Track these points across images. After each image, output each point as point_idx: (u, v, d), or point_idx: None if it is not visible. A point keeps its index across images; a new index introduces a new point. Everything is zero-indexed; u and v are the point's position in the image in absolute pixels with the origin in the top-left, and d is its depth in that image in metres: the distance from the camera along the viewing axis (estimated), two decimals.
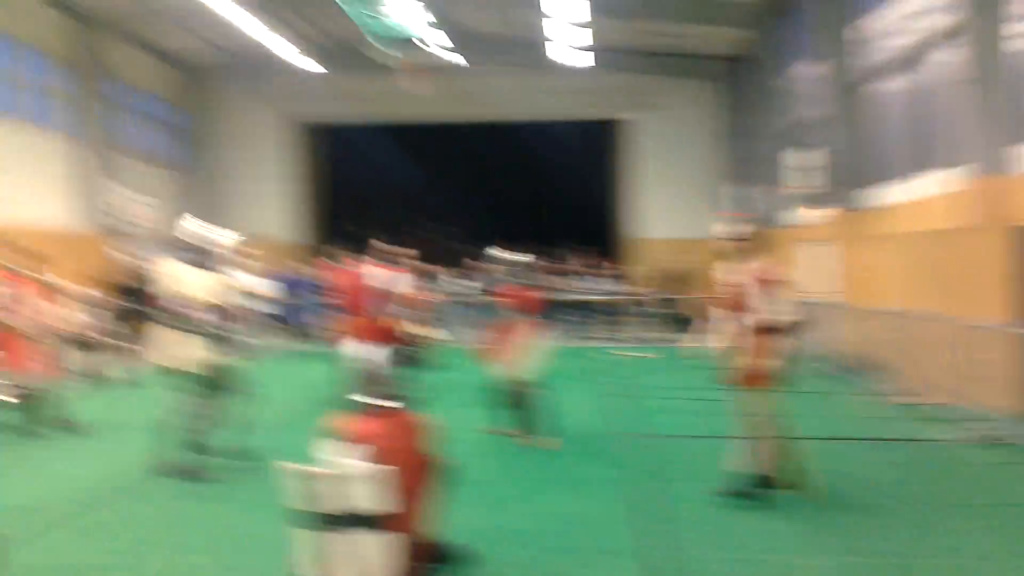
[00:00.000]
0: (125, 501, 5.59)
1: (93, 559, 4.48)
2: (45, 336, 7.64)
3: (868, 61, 12.77)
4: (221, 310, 6.10)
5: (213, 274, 6.10)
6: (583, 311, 16.14)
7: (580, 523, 4.98)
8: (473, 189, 23.96)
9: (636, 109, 21.60)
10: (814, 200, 13.75)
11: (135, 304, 12.53)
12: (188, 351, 5.89)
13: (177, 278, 6.01)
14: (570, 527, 4.91)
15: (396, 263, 9.18)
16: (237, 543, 4.69)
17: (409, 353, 11.33)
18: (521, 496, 5.56)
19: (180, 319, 5.93)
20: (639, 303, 16.15)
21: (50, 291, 8.37)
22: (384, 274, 8.88)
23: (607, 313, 16.05)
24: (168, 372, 6.01)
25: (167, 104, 21.50)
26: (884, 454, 6.73)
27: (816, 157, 13.54)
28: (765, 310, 5.07)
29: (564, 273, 17.91)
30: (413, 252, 10.27)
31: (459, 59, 18.23)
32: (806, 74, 15.08)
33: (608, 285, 15.45)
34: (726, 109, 20.98)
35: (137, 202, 18.61)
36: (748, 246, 5.32)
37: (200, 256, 6.07)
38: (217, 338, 6.02)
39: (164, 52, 20.54)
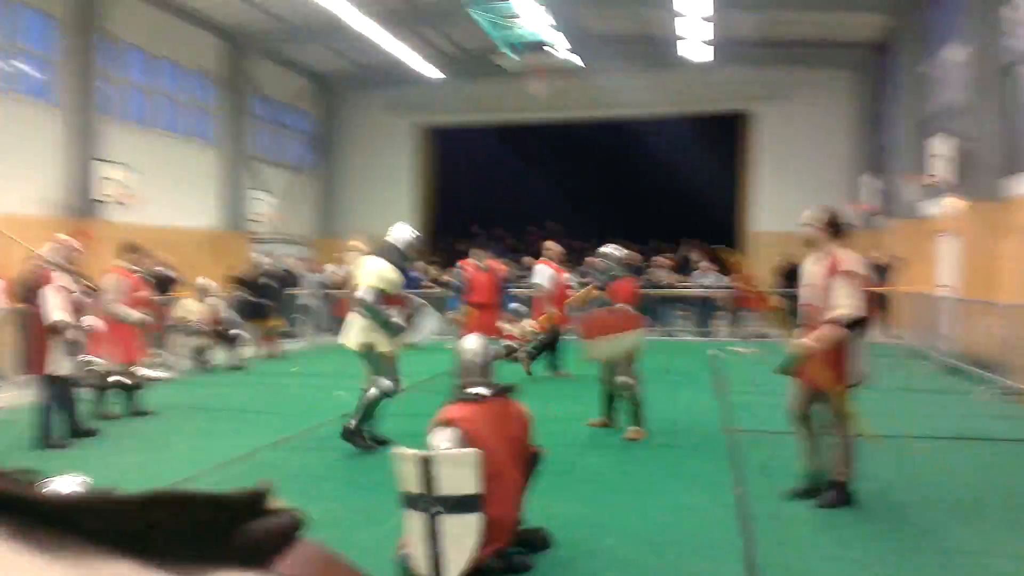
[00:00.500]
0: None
1: None
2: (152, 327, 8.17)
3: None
4: (401, 300, 6.70)
5: (395, 268, 6.62)
6: (702, 307, 15.81)
7: (684, 517, 4.92)
8: (598, 188, 23.92)
9: (766, 101, 20.96)
10: (955, 190, 12.93)
11: (261, 298, 13.36)
12: (379, 336, 6.48)
13: (372, 272, 6.54)
14: (674, 521, 4.86)
15: (560, 262, 10.61)
16: (352, 520, 4.92)
17: (535, 345, 11.58)
18: (624, 488, 5.56)
19: (371, 308, 6.45)
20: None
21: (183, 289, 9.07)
22: (548, 271, 10.28)
23: (726, 309, 15.68)
24: (360, 354, 6.62)
25: (300, 113, 22.70)
26: (991, 453, 6.33)
27: (959, 145, 12.72)
28: (836, 303, 4.75)
29: (685, 269, 17.61)
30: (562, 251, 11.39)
31: (580, 60, 18.31)
32: (953, 58, 14.19)
33: (727, 281, 15.11)
34: (864, 98, 20.01)
35: (272, 205, 19.82)
36: (823, 235, 4.96)
37: (392, 253, 6.65)
38: (399, 325, 6.61)
39: (297, 64, 21.68)
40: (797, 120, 20.71)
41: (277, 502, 0.48)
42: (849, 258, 4.86)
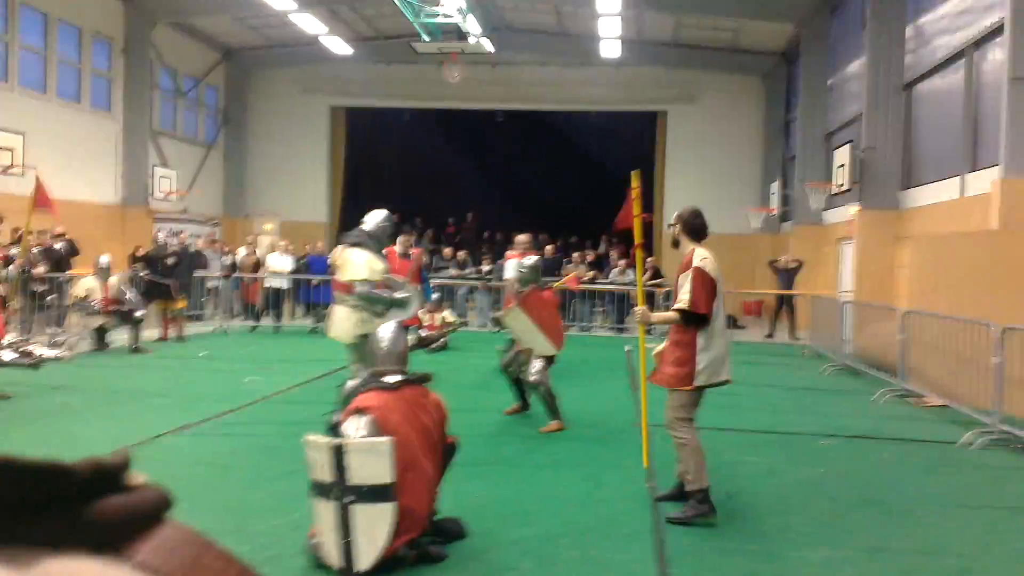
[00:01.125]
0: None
1: None
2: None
3: (922, 59, 12.51)
4: (387, 284, 6.57)
5: (379, 257, 6.52)
6: (619, 303, 16.07)
7: (598, 509, 4.95)
8: (516, 180, 23.93)
9: (678, 103, 21.44)
10: (855, 198, 13.53)
11: (165, 278, 12.84)
12: (364, 325, 6.21)
13: (351, 262, 6.38)
14: (588, 512, 4.88)
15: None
16: (259, 509, 4.76)
17: (431, 336, 11.51)
18: (538, 479, 5.57)
19: (372, 298, 6.30)
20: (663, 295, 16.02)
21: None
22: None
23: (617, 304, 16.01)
24: (350, 345, 6.36)
25: (210, 88, 21.88)
26: (888, 451, 6.64)
27: (859, 155, 13.32)
28: (680, 297, 4.82)
29: (603, 265, 17.86)
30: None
31: (492, 47, 18.29)
32: (856, 71, 14.82)
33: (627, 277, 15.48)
34: (773, 105, 20.72)
35: (177, 181, 19.05)
36: (682, 234, 5.02)
37: (372, 243, 6.50)
38: (403, 299, 6.51)
39: (207, 37, 20.86)
40: (708, 123, 21.29)
41: (137, 477, 0.41)
42: (700, 257, 4.88)
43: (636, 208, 5.78)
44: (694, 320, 4.80)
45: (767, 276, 16.72)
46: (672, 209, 21.66)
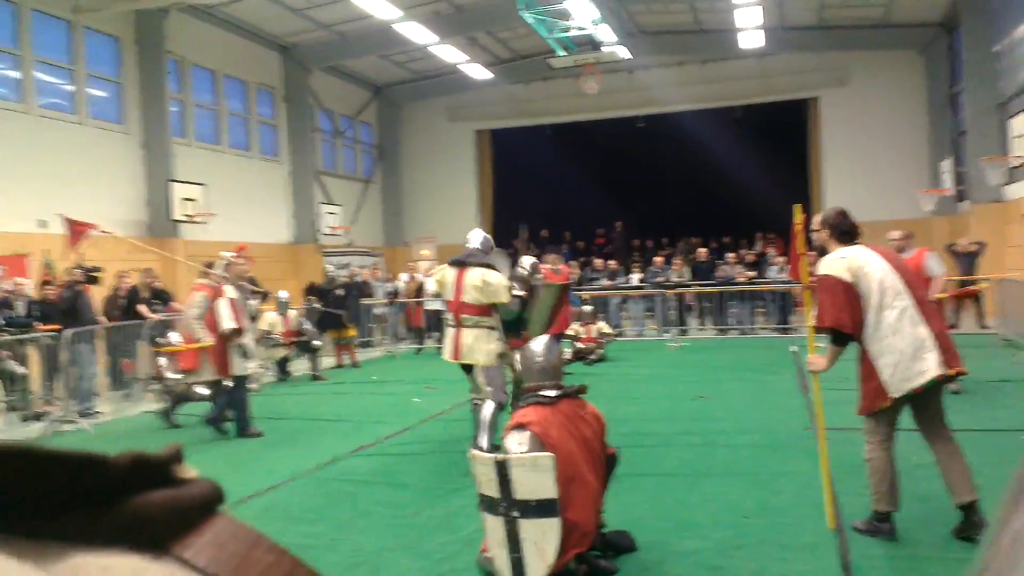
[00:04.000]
0: (303, 488, 6.09)
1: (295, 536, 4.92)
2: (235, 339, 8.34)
3: None
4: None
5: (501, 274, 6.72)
6: (780, 302, 15.42)
7: (773, 518, 4.76)
8: (661, 185, 23.58)
9: (829, 87, 20.37)
10: None
11: (336, 309, 13.61)
12: (483, 346, 6.51)
13: (492, 284, 6.56)
14: (762, 522, 4.70)
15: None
16: (431, 525, 4.93)
17: (587, 348, 11.50)
18: (706, 489, 5.42)
19: (475, 319, 6.54)
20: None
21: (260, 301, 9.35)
22: None
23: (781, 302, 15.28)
24: (480, 369, 6.58)
25: (363, 125, 23.08)
26: None
27: None
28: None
29: (760, 264, 17.21)
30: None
31: (629, 53, 18.14)
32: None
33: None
34: (934, 79, 19.25)
35: (341, 217, 20.18)
36: (827, 237, 4.64)
37: (492, 260, 6.75)
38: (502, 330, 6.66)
39: (357, 77, 22.02)
40: (865, 104, 20.03)
41: (187, 470, 0.39)
42: (827, 261, 4.47)
43: (800, 245, 5.10)
44: (839, 338, 4.39)
45: (946, 262, 15.49)
46: (833, 199, 20.52)
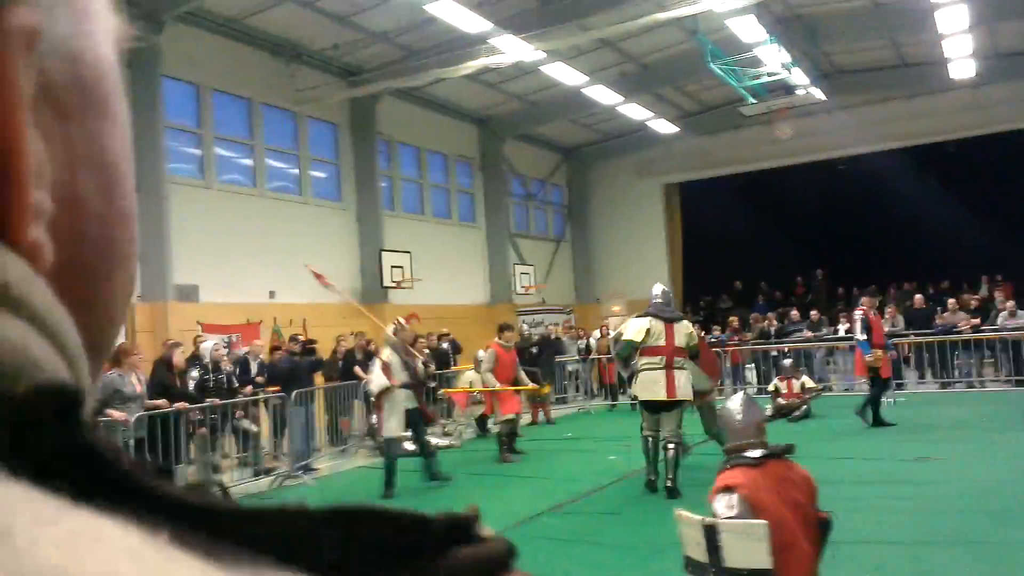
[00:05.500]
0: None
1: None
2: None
3: None
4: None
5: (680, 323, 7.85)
6: (1012, 351, 13.95)
7: None
8: (854, 227, 22.29)
9: None
10: None
11: (531, 366, 13.93)
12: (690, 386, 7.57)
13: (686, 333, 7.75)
14: None
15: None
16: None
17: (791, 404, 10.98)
18: (916, 556, 5.01)
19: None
20: None
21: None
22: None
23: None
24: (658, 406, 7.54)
25: (553, 186, 23.80)
26: None
27: None
28: None
29: (987, 310, 15.69)
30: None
31: (823, 94, 17.47)
32: None
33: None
34: None
35: (534, 276, 20.81)
36: None
37: (667, 309, 7.84)
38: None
39: (547, 141, 22.81)
40: None
41: (486, 529, 0.42)
42: None
43: None
44: None
45: None
46: None
